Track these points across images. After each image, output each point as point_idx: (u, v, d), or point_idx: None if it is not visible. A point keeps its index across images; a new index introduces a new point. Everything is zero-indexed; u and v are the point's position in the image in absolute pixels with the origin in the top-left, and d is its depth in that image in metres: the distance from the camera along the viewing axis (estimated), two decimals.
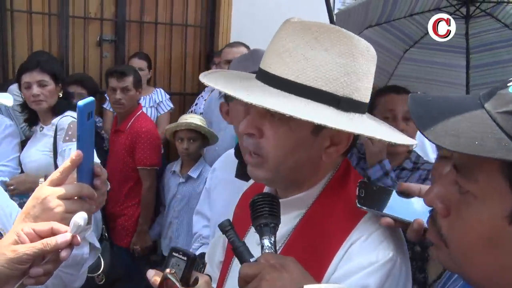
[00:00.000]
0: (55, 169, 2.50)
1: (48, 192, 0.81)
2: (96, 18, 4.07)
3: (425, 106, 0.61)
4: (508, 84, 0.57)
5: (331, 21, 2.22)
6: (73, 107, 2.43)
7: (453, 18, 2.41)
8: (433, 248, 0.65)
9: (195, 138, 2.80)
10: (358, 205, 0.85)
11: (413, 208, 0.88)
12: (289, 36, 0.86)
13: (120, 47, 4.14)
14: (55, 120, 2.38)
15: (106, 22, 4.12)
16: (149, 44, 4.26)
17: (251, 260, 0.78)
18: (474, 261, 0.58)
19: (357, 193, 0.86)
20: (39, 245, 0.74)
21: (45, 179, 2.38)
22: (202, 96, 3.76)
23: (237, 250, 0.80)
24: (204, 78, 0.94)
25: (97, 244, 1.11)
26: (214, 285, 1.09)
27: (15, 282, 0.75)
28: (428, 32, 2.56)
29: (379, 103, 1.91)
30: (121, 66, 3.54)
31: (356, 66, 0.86)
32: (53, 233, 0.77)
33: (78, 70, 4.02)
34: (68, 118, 2.40)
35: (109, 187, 0.90)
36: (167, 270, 0.81)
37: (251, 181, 1.24)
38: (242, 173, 1.51)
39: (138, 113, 3.02)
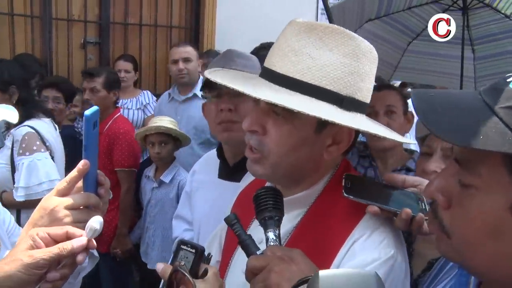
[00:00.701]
0: (13, 184, 2.38)
1: (55, 203, 0.81)
2: (79, 20, 4.05)
3: (428, 102, 0.62)
4: (508, 80, 0.59)
5: (330, 20, 2.22)
6: (33, 114, 2.29)
7: (451, 10, 2.46)
8: (435, 240, 0.66)
9: (166, 141, 2.69)
10: (344, 194, 0.88)
11: (399, 199, 0.91)
12: (294, 36, 0.88)
13: (105, 49, 4.13)
14: (13, 130, 2.23)
15: (90, 24, 4.10)
16: (133, 46, 4.26)
17: (258, 252, 0.79)
18: (477, 251, 0.59)
19: (343, 184, 0.89)
20: (55, 249, 0.75)
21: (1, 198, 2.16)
22: None
23: (243, 243, 0.81)
24: (209, 74, 0.96)
25: (96, 253, 1.10)
26: None
27: (32, 287, 0.75)
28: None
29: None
30: (96, 67, 3.50)
31: (360, 67, 0.88)
32: (68, 237, 0.77)
33: (62, 72, 3.99)
34: (23, 129, 2.22)
35: (111, 195, 0.90)
36: (177, 263, 0.81)
37: (246, 180, 1.25)
38: (225, 173, 1.52)
39: (117, 115, 2.99)
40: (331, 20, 2.22)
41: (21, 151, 2.19)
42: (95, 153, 0.86)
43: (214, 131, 1.53)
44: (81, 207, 0.82)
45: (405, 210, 0.86)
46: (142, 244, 2.81)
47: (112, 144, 2.85)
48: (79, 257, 0.76)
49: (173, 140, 2.70)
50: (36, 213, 0.82)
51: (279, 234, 0.80)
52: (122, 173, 2.86)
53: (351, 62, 0.87)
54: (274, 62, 0.90)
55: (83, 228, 0.80)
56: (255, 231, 0.88)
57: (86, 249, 0.77)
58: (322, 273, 0.43)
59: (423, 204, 0.90)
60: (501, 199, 0.56)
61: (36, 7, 3.88)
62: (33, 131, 2.26)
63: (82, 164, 0.82)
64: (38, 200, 0.85)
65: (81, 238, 0.77)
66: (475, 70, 2.72)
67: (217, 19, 4.39)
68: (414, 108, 0.62)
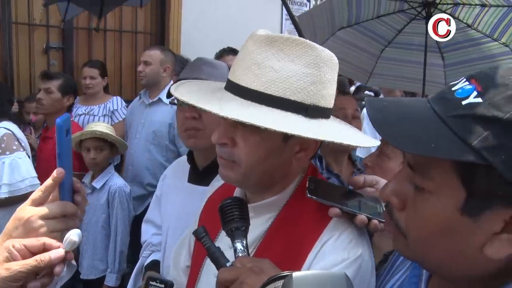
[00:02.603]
0: None
1: (31, 213, 0.78)
2: (41, 24, 3.96)
3: (382, 111, 0.64)
4: (453, 89, 0.61)
5: (296, 26, 2.26)
6: (3, 116, 2.32)
7: (417, 19, 2.57)
8: (392, 240, 0.70)
9: (102, 147, 2.61)
10: (308, 195, 0.91)
11: (359, 201, 0.97)
12: (256, 49, 0.90)
13: (68, 54, 4.05)
14: None
15: (52, 29, 4.01)
16: (98, 51, 4.20)
17: (228, 264, 0.79)
18: (430, 250, 0.63)
19: (307, 185, 0.93)
20: (32, 262, 0.73)
21: None
22: None
23: (213, 255, 0.82)
24: (176, 92, 0.98)
25: (73, 262, 1.10)
26: None
27: None
28: (400, 32, 2.72)
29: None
30: (56, 72, 3.49)
31: (321, 75, 0.90)
32: (45, 248, 0.76)
33: (24, 78, 3.89)
34: (1, 130, 2.29)
35: (88, 203, 0.89)
36: None
37: (215, 185, 1.27)
38: (194, 178, 1.54)
39: None
40: (297, 27, 2.26)
41: (0, 151, 2.22)
42: (69, 160, 0.84)
43: (181, 138, 1.55)
44: (58, 217, 0.81)
45: (359, 218, 0.91)
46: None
47: None
48: (57, 269, 0.76)
49: (109, 146, 2.63)
50: (10, 223, 0.80)
51: (246, 244, 0.81)
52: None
53: (313, 72, 0.89)
54: (238, 75, 0.92)
55: (60, 237, 0.79)
56: (225, 238, 0.89)
57: (63, 260, 0.76)
58: (296, 274, 0.45)
59: (381, 207, 0.96)
60: (451, 200, 0.59)
61: None
62: (10, 132, 2.34)
63: (57, 172, 0.81)
64: (20, 197, 0.84)
65: (59, 250, 0.76)
66: (445, 76, 2.84)
67: (182, 24, 4.39)
68: (369, 118, 0.65)
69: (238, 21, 4.34)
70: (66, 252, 0.77)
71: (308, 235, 0.93)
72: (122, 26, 4.30)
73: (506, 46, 2.54)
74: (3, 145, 2.25)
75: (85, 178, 2.70)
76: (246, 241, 0.82)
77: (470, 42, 2.63)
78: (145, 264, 1.64)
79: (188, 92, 0.99)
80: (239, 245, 0.81)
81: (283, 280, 0.51)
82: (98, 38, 4.21)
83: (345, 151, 1.95)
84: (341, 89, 2.12)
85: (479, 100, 0.58)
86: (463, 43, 2.64)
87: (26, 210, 0.80)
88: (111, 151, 2.66)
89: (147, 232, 1.75)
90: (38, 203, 0.81)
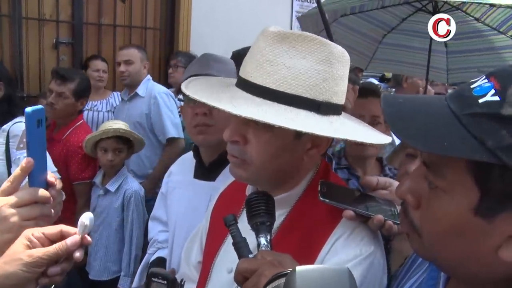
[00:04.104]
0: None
1: (1, 203, 0.79)
2: (51, 20, 3.97)
3: (397, 107, 0.64)
4: (472, 86, 0.60)
5: (326, 27, 2.17)
6: (18, 111, 2.31)
7: (423, 10, 2.60)
8: (407, 238, 0.69)
9: (121, 148, 2.49)
10: (320, 198, 0.91)
11: (372, 204, 0.95)
12: (268, 46, 0.90)
13: (78, 49, 4.06)
14: (6, 127, 2.27)
15: (62, 24, 4.02)
16: (107, 46, 4.21)
17: (250, 256, 0.80)
18: (444, 250, 0.62)
19: (319, 189, 0.92)
20: (53, 249, 0.77)
21: None
22: None
23: (237, 245, 0.83)
24: (187, 90, 0.97)
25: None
26: (194, 286, 1.11)
27: (33, 283, 0.77)
28: (404, 20, 2.74)
29: (348, 108, 1.91)
30: (69, 69, 3.33)
31: (333, 72, 0.90)
32: (62, 235, 0.79)
33: (33, 73, 3.91)
34: (20, 125, 2.28)
35: (64, 197, 0.89)
36: None
37: (221, 180, 1.27)
38: (201, 173, 1.54)
39: (79, 123, 2.80)
40: (327, 29, 2.16)
41: (21, 145, 2.22)
42: (42, 151, 0.84)
43: (190, 133, 1.55)
44: (28, 203, 0.81)
45: (377, 217, 0.90)
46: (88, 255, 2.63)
47: (69, 157, 2.64)
48: (77, 254, 0.78)
49: (127, 147, 2.53)
50: None
51: (270, 239, 0.82)
52: (79, 187, 2.65)
53: (325, 68, 0.89)
54: (249, 72, 0.91)
55: (35, 224, 0.80)
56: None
57: (82, 245, 0.79)
58: (299, 268, 0.45)
59: (395, 210, 0.94)
60: (464, 201, 0.58)
61: (5, 6, 3.78)
62: None
63: (25, 162, 0.81)
64: None
65: (75, 236, 0.78)
66: (447, 63, 2.88)
67: (192, 20, 4.38)
68: (383, 114, 0.64)
69: (247, 18, 4.32)
70: (82, 237, 0.79)
71: (320, 232, 0.93)
72: (132, 22, 4.30)
73: None
74: (24, 140, 2.22)
75: (95, 178, 2.63)
76: (271, 236, 0.82)
77: (476, 33, 2.66)
78: (151, 261, 1.63)
79: (200, 89, 0.99)
80: (262, 240, 0.81)
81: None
82: (108, 33, 4.21)
83: (370, 156, 1.89)
84: (361, 91, 2.08)
85: (496, 98, 0.56)
86: (468, 33, 2.68)
87: None
88: (128, 152, 2.56)
89: (153, 229, 1.75)
90: (7, 193, 0.81)
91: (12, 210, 0.79)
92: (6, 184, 0.82)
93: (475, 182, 0.57)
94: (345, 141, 1.80)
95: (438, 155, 0.60)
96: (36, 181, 0.83)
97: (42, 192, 0.83)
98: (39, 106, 0.82)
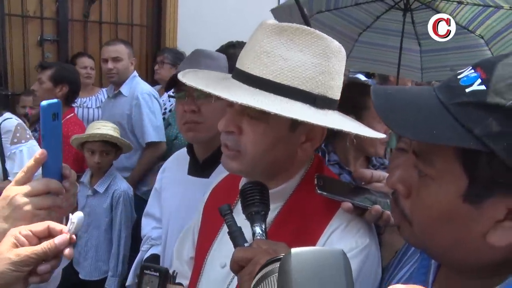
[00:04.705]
0: (3, 174, 2.41)
1: (14, 192, 0.81)
2: (35, 16, 3.91)
3: (386, 98, 0.65)
4: (459, 77, 0.61)
5: (305, 20, 2.19)
6: (5, 107, 2.34)
7: (396, 8, 2.64)
8: (398, 227, 0.71)
9: (108, 151, 2.46)
10: (318, 191, 0.92)
11: (368, 196, 0.96)
12: (266, 38, 0.90)
13: (63, 47, 4.00)
14: None
15: (46, 21, 3.96)
16: (93, 44, 4.16)
17: (245, 245, 0.80)
18: (434, 237, 0.63)
19: (315, 182, 0.93)
20: (40, 248, 0.77)
21: None
22: None
23: (233, 234, 0.83)
24: (184, 78, 0.97)
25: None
26: (186, 282, 1.11)
27: (21, 281, 0.77)
28: (378, 18, 2.77)
29: (372, 106, 1.87)
30: (53, 62, 3.43)
31: (330, 66, 0.91)
32: (49, 232, 0.79)
33: (18, 70, 3.85)
34: (12, 121, 2.31)
35: (78, 189, 0.90)
36: None
37: (215, 177, 1.26)
38: (194, 170, 1.54)
39: (69, 116, 2.88)
40: (306, 20, 2.18)
41: (15, 140, 2.25)
42: (57, 144, 0.85)
43: (180, 130, 1.55)
44: (41, 193, 0.82)
45: (375, 207, 0.91)
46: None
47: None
48: (66, 252, 0.78)
49: (115, 149, 2.50)
50: None
51: (265, 228, 0.82)
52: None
53: (322, 62, 0.90)
54: (246, 63, 0.91)
55: (49, 214, 0.81)
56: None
57: (70, 243, 0.79)
58: (294, 250, 0.46)
59: (389, 200, 0.95)
60: (453, 188, 0.60)
61: None
62: (21, 121, 2.38)
63: (39, 153, 0.82)
64: None
65: (63, 235, 0.78)
66: (421, 62, 2.93)
67: (179, 17, 4.36)
68: (373, 106, 0.65)
69: (235, 15, 4.32)
70: (70, 236, 0.79)
71: (316, 224, 0.94)
72: (118, 19, 4.26)
73: (481, 37, 2.61)
74: (17, 134, 2.27)
75: (83, 177, 2.60)
76: (265, 225, 0.83)
77: None
78: (145, 258, 1.63)
79: (196, 79, 0.99)
80: (257, 229, 0.81)
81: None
82: (94, 30, 4.17)
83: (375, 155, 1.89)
84: None
85: (483, 87, 0.58)
86: None
87: (10, 190, 0.82)
88: (116, 154, 2.53)
89: (146, 225, 1.74)
90: (21, 183, 0.83)
91: (26, 199, 0.81)
92: (20, 174, 0.83)
93: (463, 169, 0.59)
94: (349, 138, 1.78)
95: (427, 144, 0.61)
96: (50, 172, 0.84)
97: (55, 183, 0.84)
98: (55, 100, 0.83)
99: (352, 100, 1.72)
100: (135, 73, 3.25)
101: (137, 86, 3.11)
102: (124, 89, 3.11)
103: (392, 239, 1.30)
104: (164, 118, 3.17)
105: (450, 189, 0.60)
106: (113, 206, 2.48)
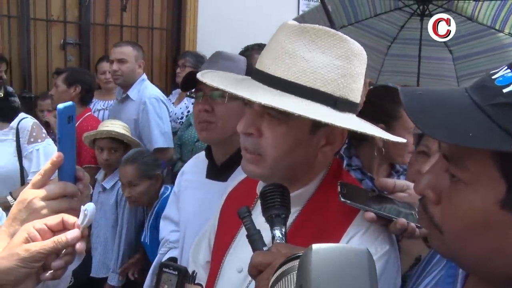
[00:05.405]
0: (21, 173, 2.44)
1: (32, 195, 0.81)
2: (59, 20, 4.00)
3: (417, 100, 0.62)
4: (493, 77, 0.59)
5: (330, 20, 2.16)
6: (18, 109, 2.38)
7: (417, 15, 2.58)
8: (428, 235, 0.67)
9: (116, 148, 2.49)
10: (341, 199, 0.88)
11: (392, 206, 0.93)
12: (288, 39, 0.88)
13: (85, 50, 4.09)
14: (14, 124, 2.32)
15: (69, 25, 4.05)
16: None
17: (264, 249, 0.78)
18: (467, 245, 0.60)
19: (339, 190, 0.90)
20: (50, 243, 0.75)
21: (12, 197, 2.33)
22: (169, 99, 3.78)
23: (252, 237, 0.80)
24: (204, 78, 0.95)
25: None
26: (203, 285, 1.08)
27: (33, 278, 0.76)
28: (402, 28, 2.73)
29: (403, 116, 1.65)
30: (68, 67, 3.62)
31: (352, 68, 0.89)
32: (64, 225, 0.78)
33: (41, 73, 3.94)
34: (28, 120, 2.36)
35: (92, 190, 0.90)
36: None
37: (233, 180, 1.24)
38: (212, 173, 1.53)
39: (86, 115, 3.04)
40: (330, 20, 2.15)
41: (32, 140, 2.29)
42: (71, 147, 0.85)
43: (196, 130, 1.55)
44: (58, 197, 0.82)
45: (400, 220, 0.87)
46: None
47: (80, 142, 2.64)
48: (78, 246, 0.77)
49: (124, 146, 2.52)
50: (15, 207, 0.82)
51: (285, 232, 0.80)
52: (89, 170, 2.60)
53: (344, 64, 0.88)
54: (267, 64, 0.90)
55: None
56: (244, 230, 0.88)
57: (82, 237, 0.78)
58: (315, 246, 0.44)
59: (415, 213, 0.91)
60: (490, 193, 0.56)
61: (14, 7, 3.81)
62: (37, 121, 2.43)
63: (56, 156, 0.82)
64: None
65: (74, 230, 0.77)
66: (455, 70, 2.84)
67: (198, 20, 4.39)
68: (404, 107, 0.62)
69: (254, 18, 4.32)
70: (82, 229, 0.78)
71: (334, 230, 0.91)
72: (139, 23, 4.31)
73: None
74: (34, 133, 2.31)
75: (98, 175, 2.66)
76: (285, 229, 0.80)
77: (473, 35, 2.62)
78: (162, 261, 1.63)
79: (217, 78, 0.97)
80: (277, 232, 0.79)
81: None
82: (115, 34, 4.23)
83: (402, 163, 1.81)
84: None
85: None
86: (466, 36, 2.64)
87: (27, 193, 0.82)
88: (125, 151, 2.52)
89: (164, 229, 1.74)
90: (38, 186, 0.82)
91: (43, 203, 0.80)
92: (37, 177, 0.83)
93: (501, 173, 0.55)
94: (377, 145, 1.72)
95: (459, 147, 0.58)
96: (66, 175, 0.84)
97: (71, 186, 0.84)
98: (70, 103, 0.83)
99: (381, 107, 1.66)
100: (144, 76, 3.15)
101: (145, 90, 3.04)
102: (132, 93, 3.03)
103: (410, 247, 1.26)
104: (182, 120, 3.16)
105: (487, 195, 0.57)
106: (118, 203, 2.51)
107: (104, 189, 2.55)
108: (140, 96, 3.01)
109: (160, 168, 2.47)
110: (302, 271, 0.43)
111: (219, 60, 1.49)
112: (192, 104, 3.25)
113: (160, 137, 2.91)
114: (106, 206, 2.53)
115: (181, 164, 2.84)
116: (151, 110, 2.93)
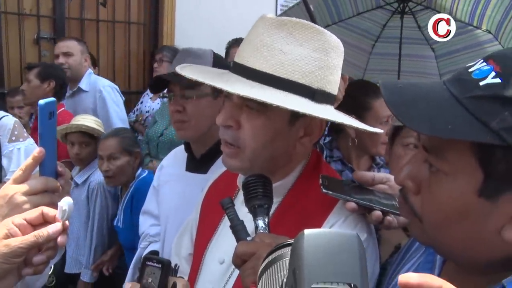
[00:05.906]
0: (0, 172, 2.39)
1: (13, 190, 0.81)
2: (32, 14, 3.89)
3: (398, 94, 0.63)
4: (470, 70, 0.60)
5: (311, 17, 2.16)
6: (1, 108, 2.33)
7: (398, 12, 2.59)
8: (408, 224, 0.69)
9: (88, 142, 2.49)
10: (323, 190, 0.90)
11: (372, 196, 0.95)
12: (266, 31, 0.89)
13: None
14: None
15: (43, 19, 3.94)
16: (91, 42, 4.13)
17: (248, 239, 0.79)
18: (445, 233, 0.62)
19: (320, 182, 0.92)
20: (31, 237, 0.75)
21: None
22: (147, 94, 3.74)
23: (235, 228, 0.81)
24: (182, 71, 0.96)
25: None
26: (185, 278, 1.08)
27: (14, 274, 0.75)
28: (385, 26, 2.74)
29: (374, 107, 1.74)
30: (39, 62, 3.47)
31: (329, 60, 0.91)
32: (44, 218, 0.78)
33: (14, 69, 3.82)
34: (9, 118, 2.28)
35: (72, 186, 0.90)
36: (144, 281, 0.81)
37: (213, 172, 1.25)
38: (192, 165, 1.54)
39: (60, 110, 2.96)
40: (312, 17, 2.16)
41: (13, 138, 2.23)
42: (52, 142, 0.86)
43: (174, 129, 1.56)
44: (40, 192, 0.82)
45: (376, 213, 0.90)
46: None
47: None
48: (60, 240, 0.77)
49: (94, 141, 2.50)
50: None
51: (268, 222, 0.81)
52: (65, 165, 2.71)
53: (321, 56, 0.89)
54: (246, 57, 0.91)
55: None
56: (227, 222, 0.88)
57: (64, 231, 0.77)
58: (308, 231, 0.45)
59: (395, 203, 0.93)
60: (468, 183, 0.58)
61: None
62: (18, 120, 2.38)
63: (37, 151, 0.82)
64: None
65: (56, 224, 0.77)
66: (438, 67, 2.86)
67: (176, 15, 4.34)
68: (385, 101, 0.63)
69: (232, 12, 4.31)
70: (63, 223, 0.77)
71: (315, 218, 0.93)
72: (115, 17, 4.24)
73: (489, 32, 2.54)
74: (16, 132, 2.23)
75: (72, 171, 2.62)
76: (268, 219, 0.81)
77: (455, 31, 2.62)
78: (143, 255, 1.62)
79: (196, 72, 0.97)
80: (260, 223, 0.80)
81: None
82: (91, 28, 4.15)
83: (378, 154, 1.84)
84: None
85: (498, 80, 0.56)
86: None
87: (8, 188, 0.82)
88: (96, 146, 2.49)
89: (144, 223, 1.74)
90: (19, 181, 0.82)
91: (24, 198, 0.80)
92: (18, 172, 0.83)
93: (479, 163, 0.57)
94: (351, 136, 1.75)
95: (439, 138, 0.60)
96: (47, 170, 0.85)
97: (52, 181, 0.84)
98: (51, 99, 0.84)
99: (355, 99, 1.69)
100: (90, 70, 3.24)
101: (97, 80, 3.15)
102: (83, 84, 3.14)
103: (390, 235, 1.29)
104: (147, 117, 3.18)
105: (465, 184, 0.59)
106: (89, 198, 2.50)
107: (77, 184, 2.52)
108: (94, 86, 3.10)
109: (139, 147, 2.48)
110: (295, 256, 0.45)
111: (187, 59, 1.49)
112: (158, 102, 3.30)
113: (120, 122, 3.00)
114: (78, 201, 2.49)
115: (149, 159, 2.88)
116: (107, 97, 3.04)
